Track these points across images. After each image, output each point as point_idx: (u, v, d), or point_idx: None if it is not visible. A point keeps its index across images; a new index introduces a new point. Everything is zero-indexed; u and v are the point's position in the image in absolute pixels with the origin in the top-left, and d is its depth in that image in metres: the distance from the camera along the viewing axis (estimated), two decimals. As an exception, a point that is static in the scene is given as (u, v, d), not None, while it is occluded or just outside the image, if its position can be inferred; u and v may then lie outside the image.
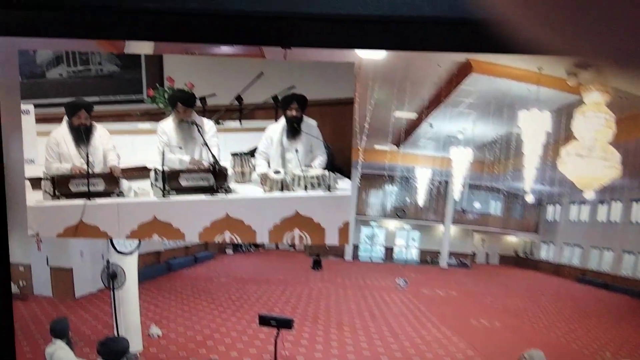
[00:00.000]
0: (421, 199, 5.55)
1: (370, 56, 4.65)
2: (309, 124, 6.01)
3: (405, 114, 5.10)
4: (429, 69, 4.52)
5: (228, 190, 5.30)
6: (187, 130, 5.51)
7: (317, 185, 5.28)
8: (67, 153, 5.39)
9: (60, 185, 5.04)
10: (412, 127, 5.53)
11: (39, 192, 5.15)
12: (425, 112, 5.22)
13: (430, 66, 4.49)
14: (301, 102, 5.56)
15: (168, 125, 5.54)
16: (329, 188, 5.28)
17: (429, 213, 5.53)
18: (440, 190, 5.56)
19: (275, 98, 6.65)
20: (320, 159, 5.64)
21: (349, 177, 5.44)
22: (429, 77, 4.60)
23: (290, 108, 5.46)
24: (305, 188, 5.27)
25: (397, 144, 5.26)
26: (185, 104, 5.29)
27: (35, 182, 5.31)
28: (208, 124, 5.56)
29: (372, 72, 4.32)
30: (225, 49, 5.15)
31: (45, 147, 5.39)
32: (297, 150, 5.48)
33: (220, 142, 5.82)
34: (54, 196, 5.06)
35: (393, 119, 5.06)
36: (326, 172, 5.37)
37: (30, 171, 5.26)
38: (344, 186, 5.59)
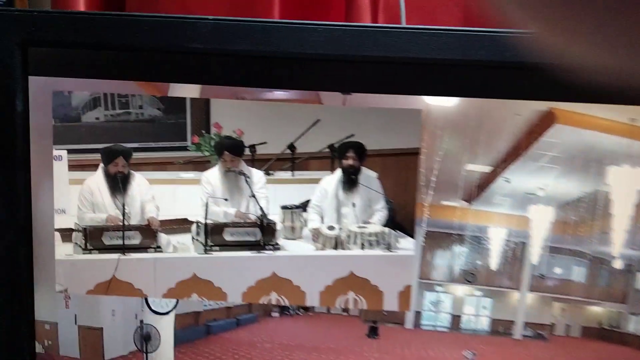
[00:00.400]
0: (494, 262, 5.33)
1: (440, 103, 4.55)
2: (368, 175, 5.94)
3: (479, 167, 4.93)
4: (506, 118, 4.35)
5: (276, 247, 5.25)
6: (234, 180, 5.54)
7: (375, 243, 5.19)
8: (102, 203, 5.48)
9: (93, 238, 5.08)
10: (485, 182, 5.34)
11: (69, 245, 5.28)
12: (501, 165, 5.03)
13: (507, 115, 4.32)
14: (359, 150, 5.53)
15: (213, 175, 5.60)
16: (389, 247, 5.17)
17: (503, 278, 5.29)
18: (516, 252, 5.36)
19: (331, 147, 6.64)
20: (380, 215, 5.55)
21: (412, 235, 5.29)
22: (506, 127, 4.42)
23: (347, 157, 5.44)
24: (362, 246, 5.19)
25: (468, 200, 5.08)
26: (232, 152, 5.33)
27: (66, 234, 5.36)
28: (257, 175, 5.60)
29: (442, 121, 4.20)
30: (278, 93, 5.19)
31: (78, 196, 5.45)
32: (354, 205, 5.43)
33: (270, 194, 5.82)
34: (86, 249, 5.09)
35: (464, 173, 4.90)
36: (386, 230, 5.27)
37: (61, 222, 5.30)
38: (406, 245, 5.41)
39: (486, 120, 4.89)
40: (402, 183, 5.90)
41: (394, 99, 4.15)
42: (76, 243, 5.30)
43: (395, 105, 4.28)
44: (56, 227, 5.12)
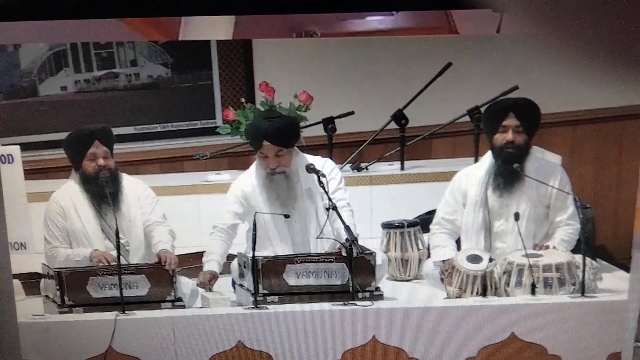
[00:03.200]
0: None
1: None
2: (544, 162, 5.78)
3: None
4: None
5: (376, 295, 5.30)
6: (284, 187, 5.62)
7: (557, 283, 5.13)
8: (82, 230, 5.36)
9: (73, 287, 4.98)
10: None
11: (37, 300, 5.19)
12: None
13: None
14: (526, 114, 5.41)
15: (247, 180, 5.71)
16: (581, 288, 5.12)
17: None
18: None
19: (474, 112, 6.32)
20: (567, 232, 5.38)
21: (624, 267, 5.13)
22: None
23: (504, 128, 5.39)
24: (533, 288, 5.09)
25: None
26: (277, 141, 5.41)
27: (31, 283, 5.34)
28: (327, 167, 5.67)
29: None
30: (373, 20, 5.30)
31: (44, 220, 5.38)
32: (516, 216, 5.39)
33: (363, 202, 5.91)
34: (63, 306, 4.98)
35: None
36: (576, 258, 5.20)
37: (21, 264, 5.29)
38: (615, 285, 5.13)
39: None
40: (608, 173, 5.87)
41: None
42: (47, 296, 5.22)
43: (597, 29, 4.30)
44: (14, 271, 5.38)
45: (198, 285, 5.22)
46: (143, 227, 5.39)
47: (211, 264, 5.29)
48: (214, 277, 5.25)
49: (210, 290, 5.20)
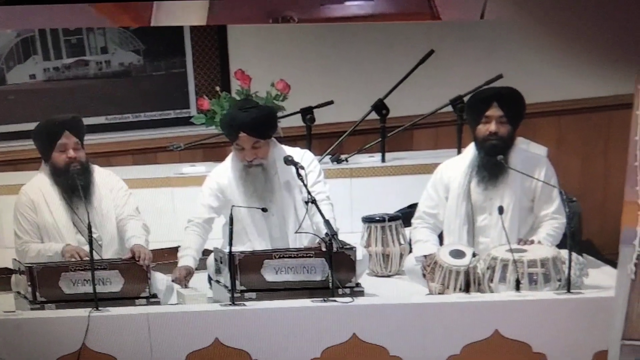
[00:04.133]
0: None
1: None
2: (529, 153, 5.63)
3: None
4: None
5: (357, 291, 5.30)
6: (262, 180, 5.60)
7: (542, 279, 5.15)
8: (53, 223, 5.37)
9: (45, 283, 5.00)
10: None
11: (8, 296, 5.24)
12: None
13: None
14: (510, 104, 5.37)
15: (223, 172, 5.70)
16: (567, 285, 5.14)
17: None
18: None
19: (456, 101, 6.30)
20: (552, 226, 5.34)
21: (612, 262, 5.13)
22: None
23: (487, 118, 5.38)
24: (518, 284, 5.07)
25: None
26: (254, 133, 5.40)
27: (2, 278, 5.37)
28: (306, 159, 5.65)
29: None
30: (353, 5, 5.30)
31: (14, 215, 5.40)
32: (500, 209, 5.41)
33: (336, 193, 5.89)
34: (35, 302, 5.02)
35: None
36: (561, 253, 5.22)
37: None
38: (601, 281, 5.18)
39: None
40: (596, 165, 5.87)
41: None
42: (18, 292, 5.05)
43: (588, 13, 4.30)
44: None
45: (173, 281, 5.23)
46: (116, 221, 5.39)
47: (187, 259, 5.31)
48: (189, 272, 5.27)
49: (186, 287, 5.21)
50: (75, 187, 5.24)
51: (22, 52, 6.30)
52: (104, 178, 5.43)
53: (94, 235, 5.09)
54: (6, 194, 5.65)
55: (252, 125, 5.24)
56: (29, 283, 4.97)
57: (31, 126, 5.46)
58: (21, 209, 5.31)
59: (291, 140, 5.91)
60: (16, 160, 6.30)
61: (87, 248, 4.99)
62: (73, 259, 5.11)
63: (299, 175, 5.21)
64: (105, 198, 5.39)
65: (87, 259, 5.01)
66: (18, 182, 5.48)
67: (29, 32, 6.26)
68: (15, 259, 5.17)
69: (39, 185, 5.33)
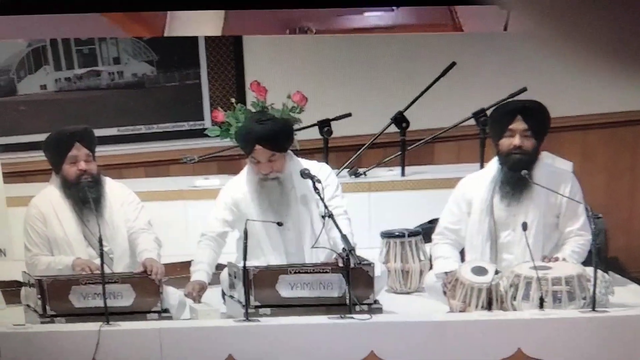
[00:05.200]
0: None
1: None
2: (554, 168, 5.63)
3: None
4: None
5: (375, 308, 5.31)
6: (277, 193, 5.64)
7: (567, 297, 5.14)
8: (63, 237, 5.42)
9: (55, 297, 5.05)
10: None
11: (18, 309, 5.31)
12: None
13: None
14: (535, 117, 5.41)
15: (238, 186, 5.72)
16: (592, 303, 5.13)
17: None
18: None
19: (479, 114, 6.35)
20: (577, 243, 5.34)
21: (638, 280, 5.24)
22: None
23: (511, 132, 5.40)
24: (541, 303, 5.08)
25: None
26: (270, 146, 5.42)
27: (12, 292, 5.48)
28: (323, 172, 5.67)
29: None
30: (372, 16, 5.34)
31: (24, 227, 5.45)
32: (524, 226, 5.41)
33: (353, 208, 5.91)
34: (44, 316, 5.07)
35: None
36: (587, 270, 5.21)
37: (1, 271, 5.50)
38: (626, 299, 5.18)
39: None
40: (622, 180, 5.85)
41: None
42: (28, 305, 5.13)
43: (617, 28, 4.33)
44: None
45: (186, 295, 5.25)
46: (127, 235, 5.43)
47: (200, 273, 5.33)
48: (202, 287, 5.29)
49: (199, 302, 5.24)
50: (86, 199, 5.28)
51: (33, 62, 6.37)
52: (116, 190, 5.47)
53: (105, 249, 5.13)
54: (16, 205, 5.70)
55: (268, 138, 5.26)
56: (39, 296, 5.02)
57: (42, 137, 5.51)
58: (31, 222, 5.36)
59: (308, 153, 5.93)
60: (26, 172, 6.36)
61: (98, 261, 5.02)
62: (83, 272, 5.15)
63: (315, 189, 5.23)
64: (116, 211, 5.43)
65: (98, 272, 5.05)
66: (27, 194, 5.54)
67: (41, 42, 6.34)
68: (24, 272, 5.22)
69: (49, 198, 5.38)
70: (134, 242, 5.41)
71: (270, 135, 5.29)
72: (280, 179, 5.36)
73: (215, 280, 5.43)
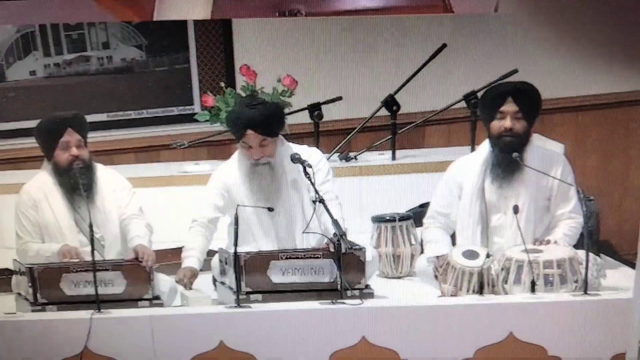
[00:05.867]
0: None
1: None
2: (545, 150, 5.62)
3: None
4: None
5: (366, 293, 5.12)
6: (268, 178, 5.62)
7: (558, 280, 5.13)
8: (55, 223, 5.42)
9: (46, 284, 5.05)
10: None
11: (9, 297, 5.29)
12: None
13: None
14: (526, 99, 5.36)
15: (230, 170, 5.71)
16: (584, 286, 5.14)
17: None
18: None
19: (470, 96, 6.34)
20: (569, 226, 5.36)
21: (630, 262, 5.20)
22: None
23: (502, 114, 5.36)
24: (533, 286, 5.05)
25: None
26: (262, 130, 5.40)
27: (2, 279, 5.45)
28: (314, 157, 5.65)
29: None
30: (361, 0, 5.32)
31: (15, 214, 5.44)
32: (515, 209, 5.42)
33: (344, 192, 5.89)
34: (35, 303, 5.07)
35: None
36: (578, 253, 5.15)
37: None
38: (620, 282, 5.20)
39: None
40: (614, 163, 5.82)
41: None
42: (19, 293, 5.10)
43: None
44: None
45: (177, 282, 5.25)
46: (119, 221, 5.43)
47: (191, 260, 5.32)
48: (193, 274, 5.27)
49: (190, 288, 5.23)
50: (77, 185, 5.27)
51: (22, 48, 6.34)
52: (108, 177, 5.46)
53: (97, 235, 5.12)
54: (6, 193, 5.68)
55: (259, 123, 5.24)
56: (30, 284, 5.01)
57: (31, 124, 5.49)
58: (22, 208, 5.35)
59: (298, 137, 5.91)
60: (16, 159, 6.33)
61: (88, 248, 5.02)
62: (66, 259, 5.15)
63: (306, 173, 5.22)
64: (108, 197, 5.42)
65: (82, 259, 5.07)
66: (18, 181, 5.52)
67: (29, 28, 6.30)
68: (15, 260, 5.20)
69: (41, 184, 5.36)
70: (126, 229, 5.40)
71: (262, 120, 5.26)
72: (271, 163, 5.34)
73: (206, 266, 5.42)
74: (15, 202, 5.38)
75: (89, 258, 5.05)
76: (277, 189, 5.36)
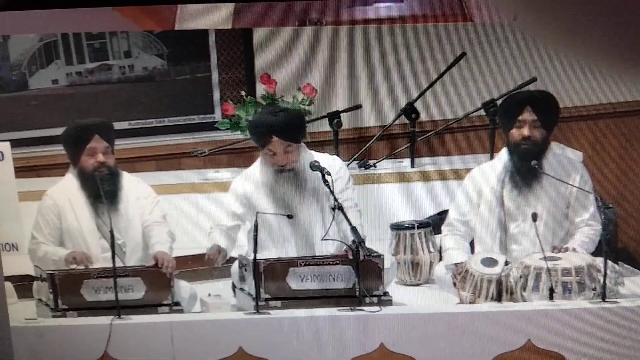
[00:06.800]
0: None
1: None
2: (564, 159, 5.63)
3: None
4: None
5: (385, 300, 5.12)
6: (291, 185, 5.64)
7: (576, 288, 5.14)
8: (77, 227, 5.47)
9: (67, 290, 5.10)
10: None
11: (30, 303, 5.32)
12: None
13: None
14: (544, 107, 5.30)
15: (252, 177, 5.73)
16: (602, 293, 5.13)
17: None
18: None
19: (489, 105, 6.35)
20: (587, 233, 5.37)
21: None
22: None
23: (520, 122, 5.37)
24: (551, 293, 5.07)
25: None
26: (285, 137, 5.44)
27: (24, 285, 5.44)
28: (334, 164, 5.66)
29: None
30: (382, 7, 5.32)
31: (36, 216, 5.51)
32: (534, 216, 5.42)
33: (363, 199, 5.67)
34: (56, 309, 5.11)
35: None
36: (596, 261, 5.07)
37: (13, 266, 5.32)
38: (636, 289, 5.24)
39: None
40: (632, 170, 5.78)
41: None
42: (40, 299, 5.15)
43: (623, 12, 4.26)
44: (6, 273, 5.42)
45: (206, 260, 5.30)
46: (142, 228, 5.46)
47: (215, 235, 5.41)
48: (220, 251, 5.33)
49: (219, 265, 5.35)
50: (99, 192, 5.30)
51: (44, 56, 6.37)
52: (132, 185, 5.49)
53: (118, 242, 5.16)
54: (28, 200, 5.69)
55: (284, 129, 5.26)
56: (51, 290, 5.04)
57: (53, 132, 5.53)
58: (43, 211, 5.40)
59: (318, 145, 5.91)
60: (38, 166, 6.36)
61: (109, 254, 5.04)
62: (73, 266, 5.18)
63: (325, 181, 5.22)
64: (131, 204, 5.44)
65: (93, 264, 5.12)
66: (40, 189, 5.54)
67: (52, 37, 6.33)
68: (37, 266, 5.23)
69: (66, 189, 5.40)
70: (147, 235, 5.43)
71: (285, 126, 5.28)
72: (296, 170, 5.35)
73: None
74: (38, 204, 5.41)
75: (108, 264, 5.06)
76: (298, 196, 5.37)
